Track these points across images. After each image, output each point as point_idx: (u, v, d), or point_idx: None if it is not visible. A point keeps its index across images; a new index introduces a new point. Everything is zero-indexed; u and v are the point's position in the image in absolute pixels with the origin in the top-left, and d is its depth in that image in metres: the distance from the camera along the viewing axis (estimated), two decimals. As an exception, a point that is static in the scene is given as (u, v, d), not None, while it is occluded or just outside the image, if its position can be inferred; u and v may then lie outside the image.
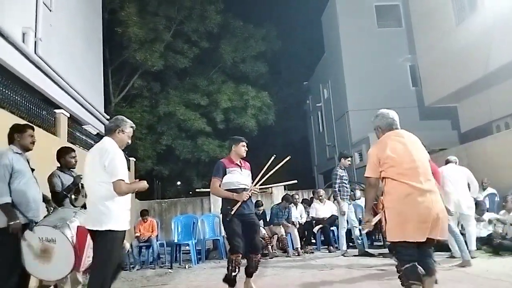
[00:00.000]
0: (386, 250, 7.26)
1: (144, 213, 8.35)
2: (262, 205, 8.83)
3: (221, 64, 19.75)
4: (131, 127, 3.58)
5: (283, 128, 22.37)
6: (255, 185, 4.49)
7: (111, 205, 3.17)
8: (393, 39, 16.19)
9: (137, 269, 7.35)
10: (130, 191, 3.30)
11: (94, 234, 3.21)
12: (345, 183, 7.42)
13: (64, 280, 4.45)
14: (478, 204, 6.59)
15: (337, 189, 7.32)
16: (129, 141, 3.57)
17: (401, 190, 3.04)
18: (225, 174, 4.40)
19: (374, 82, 15.73)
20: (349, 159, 7.65)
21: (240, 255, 4.21)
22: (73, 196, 4.45)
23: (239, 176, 4.44)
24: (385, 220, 3.14)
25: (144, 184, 3.47)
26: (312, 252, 8.31)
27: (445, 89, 11.91)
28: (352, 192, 7.77)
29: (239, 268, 4.23)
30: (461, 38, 10.95)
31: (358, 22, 16.56)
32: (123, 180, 3.18)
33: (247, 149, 4.64)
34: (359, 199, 9.02)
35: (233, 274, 4.20)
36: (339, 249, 7.76)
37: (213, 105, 18.51)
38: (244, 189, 4.37)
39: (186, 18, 18.23)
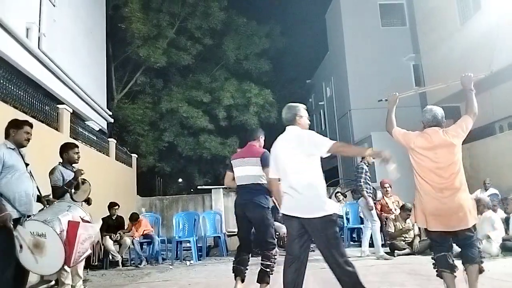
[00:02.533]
0: (387, 249, 7.27)
1: (132, 218, 8.10)
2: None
3: (224, 61, 19.73)
4: (304, 109, 3.57)
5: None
6: None
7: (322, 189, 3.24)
8: (397, 38, 16.13)
9: (138, 265, 7.37)
10: None
11: (310, 222, 3.13)
12: (368, 179, 7.05)
13: (66, 275, 4.47)
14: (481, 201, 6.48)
15: (362, 183, 6.89)
16: (309, 121, 3.59)
17: (422, 185, 3.47)
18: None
19: (377, 81, 15.66)
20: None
21: None
22: (73, 191, 4.46)
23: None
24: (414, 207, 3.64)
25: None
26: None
27: (448, 88, 11.83)
28: (372, 192, 7.38)
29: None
30: (465, 38, 10.89)
31: (362, 21, 16.51)
32: None
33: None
34: (379, 200, 8.84)
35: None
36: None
37: (215, 102, 18.50)
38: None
39: (189, 14, 18.22)
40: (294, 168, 3.27)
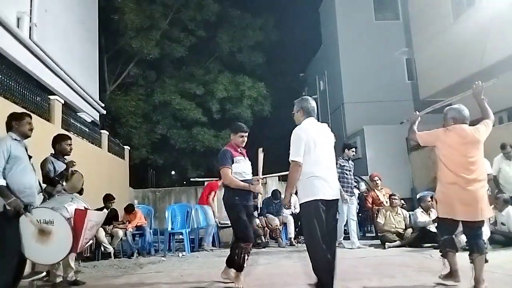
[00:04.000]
0: (378, 242, 7.35)
1: (128, 209, 8.16)
2: (257, 196, 8.82)
3: (217, 54, 19.64)
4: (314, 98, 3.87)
5: (279, 119, 22.28)
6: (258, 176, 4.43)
7: None
8: (390, 32, 16.15)
9: (130, 257, 7.38)
10: None
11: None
12: (346, 174, 7.23)
13: (57, 266, 4.49)
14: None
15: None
16: None
17: (449, 177, 3.77)
18: (233, 163, 4.29)
19: (370, 74, 15.72)
20: (353, 149, 7.55)
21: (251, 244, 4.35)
22: (64, 183, 4.47)
23: (244, 166, 4.35)
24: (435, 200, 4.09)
25: None
26: (305, 242, 8.35)
27: (440, 83, 11.93)
28: (355, 185, 7.56)
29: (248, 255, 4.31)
30: (458, 33, 10.94)
31: (356, 14, 16.51)
32: None
33: (245, 140, 4.47)
34: (363, 192, 9.00)
35: (245, 261, 4.25)
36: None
37: (209, 95, 18.43)
38: (247, 180, 4.31)
39: (183, 6, 18.07)
40: (332, 160, 3.71)
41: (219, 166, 4.33)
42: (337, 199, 3.69)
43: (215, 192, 8.51)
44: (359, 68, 15.95)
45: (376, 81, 15.51)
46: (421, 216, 7.00)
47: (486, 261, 3.82)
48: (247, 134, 4.48)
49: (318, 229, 3.41)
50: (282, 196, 9.54)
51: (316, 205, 3.44)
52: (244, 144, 4.49)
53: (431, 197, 7.39)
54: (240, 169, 4.30)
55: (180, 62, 19.25)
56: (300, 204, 3.64)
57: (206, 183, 9.54)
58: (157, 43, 17.23)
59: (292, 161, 3.47)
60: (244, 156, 4.44)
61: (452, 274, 3.86)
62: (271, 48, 21.26)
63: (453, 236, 3.92)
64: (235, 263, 4.22)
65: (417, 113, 4.33)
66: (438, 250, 4.07)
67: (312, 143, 3.54)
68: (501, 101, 10.32)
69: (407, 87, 15.68)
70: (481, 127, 3.92)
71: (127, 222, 7.85)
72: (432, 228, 6.51)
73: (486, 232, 6.05)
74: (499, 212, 6.25)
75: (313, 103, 3.83)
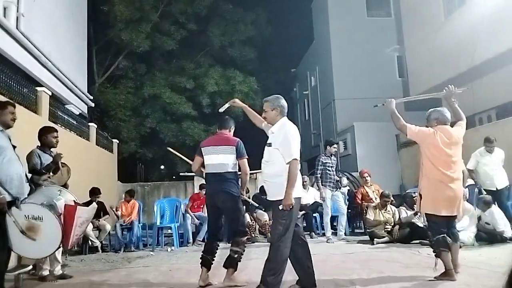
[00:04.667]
0: (367, 237, 7.39)
1: (129, 194, 8.23)
2: (249, 191, 8.84)
3: (208, 48, 19.51)
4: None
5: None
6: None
7: None
8: (382, 29, 16.18)
9: (118, 251, 7.32)
10: None
11: None
12: (329, 170, 7.45)
13: (43, 260, 4.42)
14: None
15: (318, 175, 7.41)
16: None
17: (436, 175, 3.96)
18: None
19: (361, 71, 15.76)
20: (335, 146, 7.70)
21: None
22: (51, 174, 4.39)
23: None
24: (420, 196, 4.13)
25: None
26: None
27: (431, 81, 12.00)
28: (338, 180, 7.78)
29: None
30: (449, 31, 11.01)
31: (348, 11, 16.51)
32: None
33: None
34: (345, 186, 9.08)
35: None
36: (323, 235, 7.83)
37: (199, 89, 18.32)
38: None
39: (174, -2, 17.91)
40: None
41: (242, 157, 4.25)
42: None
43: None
44: (350, 64, 15.99)
45: (367, 78, 15.56)
46: (404, 213, 7.12)
47: (460, 247, 4.24)
48: None
49: (292, 228, 3.46)
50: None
51: (298, 203, 3.51)
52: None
53: (418, 193, 7.48)
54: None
55: (170, 56, 19.09)
56: (277, 201, 3.45)
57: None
58: (147, 36, 17.06)
59: (294, 159, 3.43)
60: None
61: (447, 273, 3.89)
62: (263, 43, 21.21)
63: (445, 235, 3.98)
64: (237, 261, 4.13)
65: (393, 100, 4.34)
66: (432, 250, 4.15)
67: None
68: (490, 100, 10.45)
69: (398, 84, 15.75)
70: (459, 128, 4.15)
71: (123, 207, 7.89)
72: (420, 223, 6.57)
73: (472, 230, 6.16)
74: (483, 212, 6.32)
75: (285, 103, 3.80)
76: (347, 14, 16.46)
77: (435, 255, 4.04)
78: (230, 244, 4.24)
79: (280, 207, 3.37)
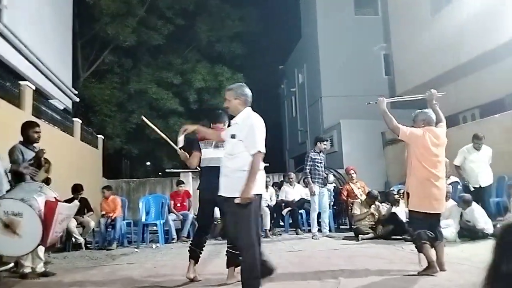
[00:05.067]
0: (352, 234, 7.46)
1: (105, 190, 8.08)
2: None
3: (196, 43, 19.38)
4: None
5: (257, 111, 22.06)
6: None
7: None
8: (369, 27, 16.27)
9: (103, 248, 7.24)
10: None
11: None
12: (318, 166, 7.48)
13: (25, 257, 4.34)
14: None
15: (307, 170, 7.44)
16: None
17: (424, 173, 4.09)
18: None
19: (348, 69, 15.83)
20: (325, 142, 7.74)
21: None
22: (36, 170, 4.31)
23: None
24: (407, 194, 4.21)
25: None
26: (280, 234, 8.41)
27: (417, 79, 12.14)
28: (325, 176, 7.82)
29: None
30: (435, 30, 11.13)
31: (336, 8, 16.54)
32: None
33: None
34: (332, 183, 9.16)
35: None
36: (308, 232, 7.89)
37: (186, 85, 18.19)
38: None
39: (161, -7, 17.72)
40: None
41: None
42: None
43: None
44: (337, 62, 16.05)
45: (354, 75, 15.64)
46: (383, 210, 7.29)
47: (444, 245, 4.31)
48: None
49: (255, 223, 3.24)
50: (269, 182, 9.62)
51: (258, 200, 3.27)
52: None
53: (398, 191, 7.60)
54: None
55: (157, 51, 18.90)
56: (235, 197, 3.17)
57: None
58: (134, 30, 16.85)
59: (259, 152, 3.16)
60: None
61: (429, 266, 4.00)
62: (251, 39, 21.13)
63: (425, 230, 4.07)
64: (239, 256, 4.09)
65: (384, 99, 4.46)
66: (414, 245, 4.23)
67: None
68: (474, 98, 10.62)
69: (384, 82, 15.88)
70: (443, 130, 4.33)
71: (104, 205, 7.76)
72: (400, 214, 6.73)
73: (455, 226, 6.27)
74: (464, 210, 6.43)
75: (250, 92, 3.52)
76: (334, 12, 16.50)
77: (417, 250, 4.14)
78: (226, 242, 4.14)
79: (237, 200, 3.08)
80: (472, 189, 6.93)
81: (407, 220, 4.88)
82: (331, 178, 8.89)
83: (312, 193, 7.44)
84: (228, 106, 3.46)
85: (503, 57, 9.22)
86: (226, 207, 3.37)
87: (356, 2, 16.90)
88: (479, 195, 6.79)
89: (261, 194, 3.31)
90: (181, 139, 3.98)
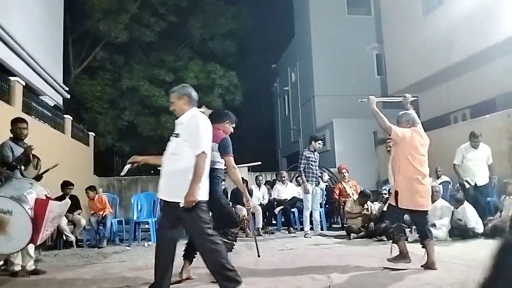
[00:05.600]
0: (344, 232, 7.49)
1: (88, 190, 7.89)
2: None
3: (189, 40, 19.28)
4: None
5: (250, 110, 22.28)
6: None
7: None
8: (361, 27, 16.34)
9: (93, 246, 7.18)
10: None
11: None
12: (312, 165, 7.48)
13: (15, 255, 4.28)
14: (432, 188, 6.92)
15: (301, 169, 7.46)
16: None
17: (413, 172, 4.25)
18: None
19: (341, 68, 15.89)
20: (320, 142, 7.76)
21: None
22: (22, 167, 4.26)
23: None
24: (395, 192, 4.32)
25: None
26: (273, 233, 8.42)
27: (408, 79, 12.21)
28: (320, 175, 7.86)
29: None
30: (427, 30, 11.20)
31: (329, 8, 16.60)
32: None
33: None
34: (326, 182, 9.17)
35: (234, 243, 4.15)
36: (301, 230, 7.91)
37: (179, 82, 17.90)
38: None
39: (153, -11, 17.59)
40: None
41: (224, 154, 3.97)
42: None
43: None
44: (330, 61, 16.10)
45: (346, 75, 15.71)
46: (375, 209, 7.35)
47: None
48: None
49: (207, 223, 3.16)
50: (262, 181, 9.57)
51: (204, 206, 3.16)
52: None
53: (389, 191, 7.63)
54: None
55: (149, 47, 18.78)
56: (179, 203, 3.07)
57: None
58: (126, 27, 16.71)
59: (203, 153, 3.06)
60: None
61: (403, 256, 4.25)
62: (244, 37, 21.09)
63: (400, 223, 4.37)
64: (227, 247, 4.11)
65: (374, 98, 4.60)
66: (389, 237, 4.48)
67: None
68: (465, 99, 10.71)
69: (376, 82, 15.97)
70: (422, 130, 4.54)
71: (91, 205, 7.67)
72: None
73: (447, 225, 6.32)
74: (455, 209, 6.48)
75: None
76: (327, 11, 16.54)
77: (392, 242, 4.35)
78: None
79: (181, 204, 2.97)
80: (468, 186, 6.90)
81: (385, 212, 4.99)
82: (326, 177, 8.90)
83: (306, 191, 7.44)
84: (173, 108, 3.38)
85: (494, 58, 9.31)
86: (169, 212, 3.24)
87: (349, 1, 16.96)
88: (476, 193, 6.80)
89: (205, 201, 3.16)
90: (126, 168, 3.73)
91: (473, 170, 6.96)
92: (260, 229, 8.20)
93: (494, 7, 8.90)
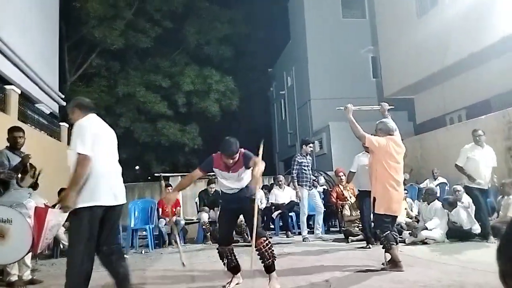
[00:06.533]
0: (342, 236, 7.48)
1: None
2: (215, 182, 8.26)
3: (184, 46, 19.32)
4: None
5: (246, 114, 22.31)
6: None
7: None
8: (356, 30, 16.41)
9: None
10: None
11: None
12: (304, 170, 7.49)
13: (11, 265, 4.26)
14: (429, 190, 6.94)
15: (294, 175, 7.46)
16: None
17: (390, 179, 4.39)
18: (211, 171, 4.03)
19: (336, 71, 15.94)
20: (311, 145, 7.76)
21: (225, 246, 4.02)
22: (19, 176, 4.24)
23: (225, 182, 3.93)
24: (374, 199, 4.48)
25: None
26: (271, 237, 8.38)
27: (403, 81, 12.27)
28: (315, 179, 7.87)
29: (231, 256, 4.06)
30: (422, 32, 11.26)
31: (324, 11, 16.66)
32: None
33: (231, 161, 3.77)
34: (322, 186, 9.18)
35: (231, 264, 4.05)
36: (299, 234, 7.89)
37: (175, 88, 18.11)
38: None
39: (148, -5, 17.64)
40: (116, 160, 3.61)
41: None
42: (122, 204, 3.34)
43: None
44: (326, 65, 16.14)
45: (342, 78, 15.75)
46: None
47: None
48: (232, 157, 3.77)
49: (87, 241, 3.01)
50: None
51: (90, 215, 2.97)
52: (233, 162, 3.81)
53: (373, 197, 7.61)
54: (222, 184, 3.99)
55: (145, 54, 18.81)
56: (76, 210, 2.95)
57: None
58: (121, 33, 16.74)
59: (79, 154, 2.89)
60: (229, 171, 3.84)
61: (396, 265, 4.32)
62: (240, 42, 21.14)
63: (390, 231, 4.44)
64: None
65: (351, 105, 4.81)
66: (381, 245, 4.48)
67: (96, 138, 3.05)
68: (460, 100, 10.76)
69: (372, 84, 16.02)
70: (399, 137, 4.63)
71: None
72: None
73: (444, 227, 6.33)
74: (450, 212, 6.48)
75: (88, 100, 3.43)
76: (322, 15, 16.62)
77: (385, 250, 4.41)
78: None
79: (57, 206, 2.90)
80: (477, 187, 6.23)
81: (373, 222, 4.91)
82: (321, 180, 8.91)
83: (298, 197, 7.47)
84: (72, 120, 3.30)
85: (489, 59, 9.37)
86: None
87: (343, 5, 17.03)
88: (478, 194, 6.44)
89: (91, 207, 2.97)
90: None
91: (480, 172, 6.22)
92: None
93: (488, 8, 8.96)
